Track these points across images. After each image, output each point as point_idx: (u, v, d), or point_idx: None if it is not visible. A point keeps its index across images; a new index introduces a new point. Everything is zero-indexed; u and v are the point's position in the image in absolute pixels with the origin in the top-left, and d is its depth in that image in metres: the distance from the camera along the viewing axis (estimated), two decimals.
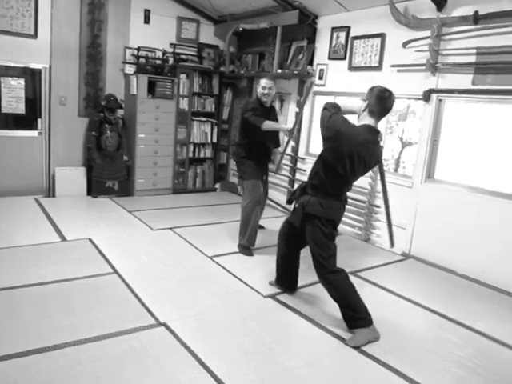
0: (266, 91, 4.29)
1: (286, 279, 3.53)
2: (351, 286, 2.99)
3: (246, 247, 4.36)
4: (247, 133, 4.35)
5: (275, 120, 4.54)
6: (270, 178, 6.43)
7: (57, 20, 5.70)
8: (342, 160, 2.84)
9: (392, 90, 2.88)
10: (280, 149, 4.84)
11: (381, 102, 2.81)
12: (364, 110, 2.88)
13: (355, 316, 2.93)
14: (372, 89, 2.88)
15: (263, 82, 4.32)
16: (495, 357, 2.87)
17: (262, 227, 4.89)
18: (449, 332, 3.13)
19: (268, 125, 4.21)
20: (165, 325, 2.89)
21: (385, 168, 4.97)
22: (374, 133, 2.89)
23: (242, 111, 4.44)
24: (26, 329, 2.73)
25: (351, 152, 2.79)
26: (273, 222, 5.58)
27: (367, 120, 2.87)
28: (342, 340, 2.89)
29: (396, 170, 5.97)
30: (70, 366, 2.40)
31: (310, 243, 3.05)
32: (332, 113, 2.89)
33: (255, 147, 4.37)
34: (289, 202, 3.37)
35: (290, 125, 4.46)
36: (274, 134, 4.53)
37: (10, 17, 5.42)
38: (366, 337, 2.88)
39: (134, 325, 2.85)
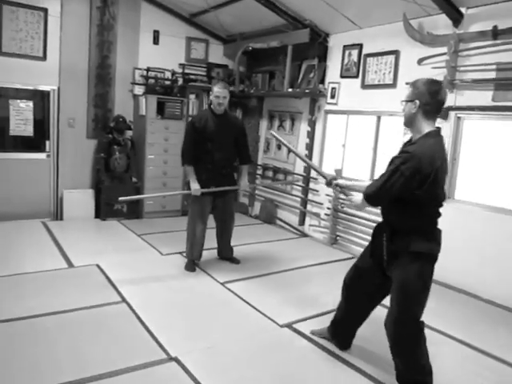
0: (220, 100, 3.99)
1: (347, 336, 2.94)
2: (426, 347, 2.49)
3: (189, 260, 4.30)
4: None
5: (229, 130, 4.14)
6: (281, 199, 6.32)
7: (66, 42, 5.67)
8: (437, 185, 2.35)
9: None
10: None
11: (435, 96, 2.32)
12: (416, 113, 2.36)
13: (417, 380, 2.47)
14: (416, 86, 2.37)
15: (216, 90, 3.99)
16: None
17: (237, 261, 4.53)
18: (478, 365, 2.92)
19: (186, 170, 4.22)
20: (176, 359, 2.71)
21: None
22: (438, 135, 2.40)
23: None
24: (26, 366, 2.56)
25: (439, 172, 2.33)
26: (285, 244, 5.43)
27: (425, 125, 2.36)
28: (369, 377, 2.68)
29: None
30: None
31: (403, 290, 2.43)
32: (384, 181, 2.37)
33: (200, 158, 4.10)
34: (372, 254, 2.67)
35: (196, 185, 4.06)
36: (230, 146, 4.20)
37: (20, 39, 5.39)
38: None
39: (144, 360, 2.67)
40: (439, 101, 2.36)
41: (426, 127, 2.37)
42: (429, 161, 2.26)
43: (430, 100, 2.32)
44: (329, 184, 2.90)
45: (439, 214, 2.46)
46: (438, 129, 2.42)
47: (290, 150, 3.44)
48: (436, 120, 2.43)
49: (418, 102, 2.34)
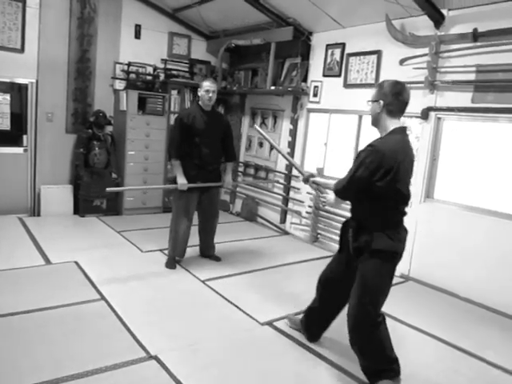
0: (210, 94, 4.01)
1: (318, 329, 3.01)
2: (388, 339, 2.57)
3: (170, 258, 4.27)
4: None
5: (216, 126, 4.16)
6: (262, 197, 6.32)
7: (45, 34, 5.54)
8: (402, 180, 2.43)
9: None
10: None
11: (398, 96, 2.42)
12: (380, 112, 2.46)
13: (382, 368, 2.53)
14: (381, 86, 2.48)
15: (206, 84, 4.01)
16: None
17: (218, 259, 4.53)
18: (457, 362, 2.96)
19: (173, 164, 4.15)
20: (156, 358, 2.68)
21: None
22: (403, 132, 2.49)
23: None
24: (2, 365, 2.49)
25: (401, 167, 2.39)
26: (266, 242, 5.43)
27: (390, 123, 2.45)
28: (347, 373, 2.70)
29: None
30: None
31: (362, 285, 2.50)
32: (350, 177, 2.46)
33: (188, 154, 4.10)
34: (341, 249, 2.75)
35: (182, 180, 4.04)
36: (216, 142, 4.22)
37: None
38: None
39: (123, 359, 2.63)
40: (402, 101, 2.45)
41: (391, 125, 2.46)
42: (391, 155, 2.35)
43: (393, 100, 2.43)
44: (306, 181, 2.98)
45: (404, 213, 2.53)
46: (404, 127, 2.52)
47: (272, 146, 3.50)
48: (400, 118, 2.51)
49: (382, 102, 2.44)
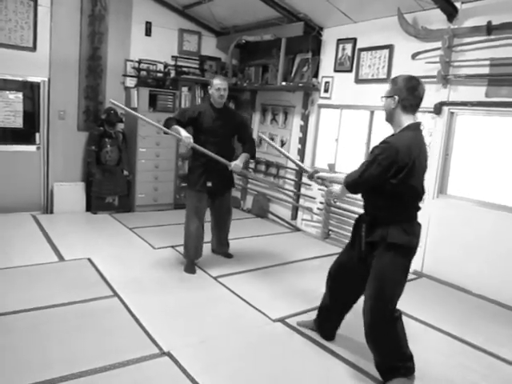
0: (221, 92, 3.94)
1: (331, 328, 3.00)
2: (404, 336, 2.55)
3: (188, 261, 4.13)
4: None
5: (226, 124, 4.06)
6: (273, 193, 6.31)
7: (56, 32, 5.58)
8: (417, 176, 2.41)
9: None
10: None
11: (413, 92, 2.39)
12: (395, 108, 2.43)
13: (396, 366, 2.52)
14: (395, 81, 2.45)
15: (217, 83, 3.95)
16: None
17: (229, 256, 4.53)
18: (469, 359, 2.93)
19: (174, 130, 3.86)
20: (169, 354, 2.69)
21: None
22: (417, 128, 2.46)
23: None
24: (15, 361, 2.52)
25: (416, 163, 2.37)
26: (277, 238, 5.42)
27: (404, 119, 2.43)
28: (362, 371, 2.69)
29: None
30: None
31: (377, 279, 2.48)
32: (361, 172, 2.44)
33: (194, 152, 4.03)
34: (353, 244, 2.73)
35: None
36: (226, 140, 4.13)
37: (9, 29, 5.29)
38: None
39: (136, 355, 2.65)
40: (417, 96, 2.42)
41: (406, 121, 2.44)
42: (406, 151, 2.32)
43: (407, 95, 2.40)
44: (311, 177, 2.98)
45: (418, 208, 2.53)
46: (418, 123, 2.48)
47: (277, 150, 3.56)
48: (415, 114, 2.48)
49: (396, 97, 2.41)
